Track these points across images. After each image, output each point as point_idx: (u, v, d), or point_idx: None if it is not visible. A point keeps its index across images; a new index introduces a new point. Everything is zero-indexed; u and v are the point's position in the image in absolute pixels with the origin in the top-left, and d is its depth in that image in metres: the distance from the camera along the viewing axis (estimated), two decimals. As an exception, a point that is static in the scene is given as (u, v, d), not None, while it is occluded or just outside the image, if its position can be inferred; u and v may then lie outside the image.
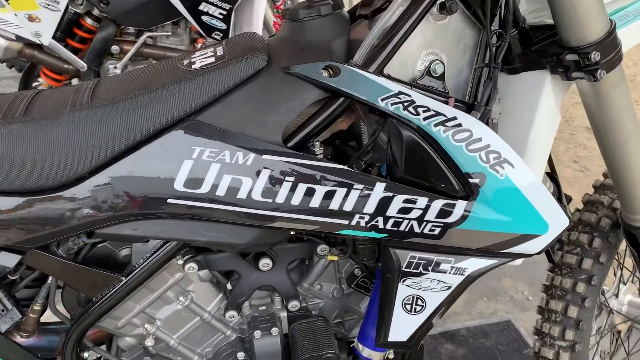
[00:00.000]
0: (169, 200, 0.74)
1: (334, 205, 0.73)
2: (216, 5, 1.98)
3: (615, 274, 1.34)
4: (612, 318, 1.31)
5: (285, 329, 0.92)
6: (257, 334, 0.89)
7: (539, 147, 0.83)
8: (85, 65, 1.98)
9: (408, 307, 0.79)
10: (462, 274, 0.77)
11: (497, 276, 2.24)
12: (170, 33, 2.09)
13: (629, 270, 1.30)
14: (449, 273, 0.77)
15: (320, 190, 0.72)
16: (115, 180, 0.73)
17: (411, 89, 0.76)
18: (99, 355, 0.92)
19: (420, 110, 0.71)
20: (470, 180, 0.71)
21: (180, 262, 0.83)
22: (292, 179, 0.72)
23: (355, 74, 0.73)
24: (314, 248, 0.87)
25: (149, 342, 0.89)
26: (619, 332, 1.35)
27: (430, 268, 0.77)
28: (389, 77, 0.75)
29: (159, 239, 0.80)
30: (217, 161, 0.73)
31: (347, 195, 0.72)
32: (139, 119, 0.73)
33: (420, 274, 0.77)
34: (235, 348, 0.92)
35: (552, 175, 1.04)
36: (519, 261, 0.86)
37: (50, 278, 0.84)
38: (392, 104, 0.71)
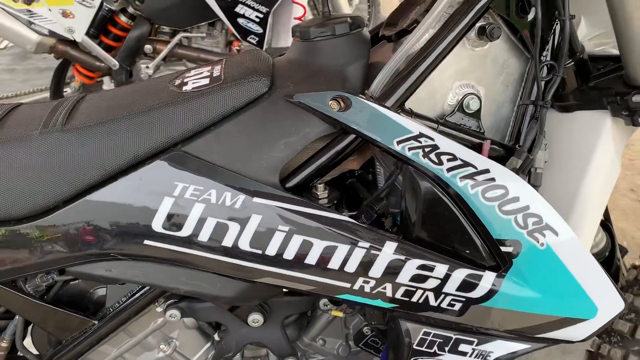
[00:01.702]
0: (146, 242, 0.64)
1: (334, 264, 0.61)
2: (253, 8, 1.89)
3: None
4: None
5: (281, 388, 0.81)
6: (248, 393, 0.78)
7: (592, 205, 0.69)
8: (118, 63, 1.94)
9: (419, 391, 0.66)
10: (486, 359, 0.64)
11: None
12: (205, 34, 2.03)
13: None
14: (470, 356, 0.64)
15: (318, 245, 0.60)
16: (88, 213, 0.64)
17: (437, 127, 0.63)
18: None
19: (444, 158, 0.58)
20: (503, 249, 0.58)
21: (160, 309, 0.73)
22: (287, 228, 0.61)
23: (368, 108, 0.60)
24: (315, 302, 0.75)
25: (128, 391, 0.79)
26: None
27: (447, 348, 0.64)
28: (410, 112, 0.63)
29: (135, 283, 0.70)
30: (201, 201, 0.62)
31: (350, 253, 0.60)
32: (118, 145, 0.63)
33: (434, 354, 0.64)
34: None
35: (605, 224, 0.89)
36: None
37: (15, 319, 0.75)
38: (409, 149, 0.58)
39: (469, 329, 0.62)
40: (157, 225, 0.63)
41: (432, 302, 0.61)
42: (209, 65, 0.70)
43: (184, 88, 0.66)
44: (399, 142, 0.59)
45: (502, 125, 0.70)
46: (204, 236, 0.62)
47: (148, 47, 1.98)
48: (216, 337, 0.79)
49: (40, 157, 0.64)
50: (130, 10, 1.93)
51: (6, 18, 1.89)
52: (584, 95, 0.71)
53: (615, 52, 0.70)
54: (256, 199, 0.61)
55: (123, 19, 1.94)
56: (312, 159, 0.64)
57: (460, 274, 0.59)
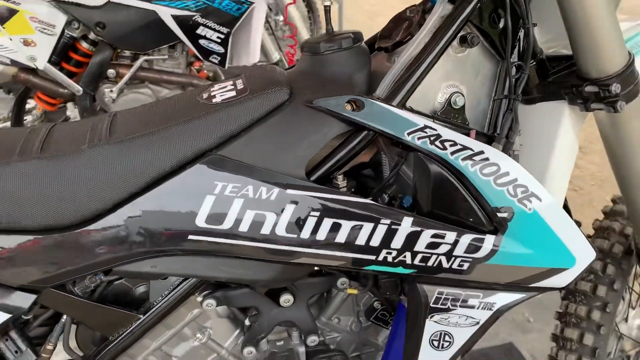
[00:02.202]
0: (190, 237, 0.72)
1: (361, 240, 0.72)
2: (214, 29, 1.98)
3: (624, 299, 1.34)
4: (621, 343, 1.31)
5: (304, 364, 0.90)
6: (277, 369, 0.87)
7: (559, 178, 0.83)
8: (81, 89, 1.97)
9: (435, 343, 0.78)
10: (490, 309, 0.76)
11: (497, 297, 2.24)
12: (167, 56, 2.09)
13: (637, 294, 1.30)
14: (478, 308, 0.76)
15: (346, 225, 0.71)
16: (136, 216, 0.72)
17: (433, 121, 0.75)
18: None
19: (447, 144, 0.71)
20: (499, 215, 0.71)
21: (199, 298, 0.81)
22: (318, 213, 0.71)
23: (380, 108, 0.72)
24: (333, 282, 0.85)
25: (165, 381, 0.87)
26: (628, 357, 1.35)
27: (458, 304, 0.76)
28: (411, 109, 0.75)
29: (179, 276, 0.78)
30: (240, 196, 0.71)
31: (374, 230, 0.71)
32: (160, 154, 0.72)
33: (448, 310, 0.76)
34: (253, 385, 0.90)
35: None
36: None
37: (64, 317, 0.81)
38: (418, 138, 0.71)
39: (476, 285, 0.75)
40: (200, 221, 0.72)
41: (445, 264, 0.73)
42: (231, 80, 0.80)
43: (214, 100, 0.76)
44: (409, 134, 0.71)
45: (481, 118, 0.84)
46: (244, 227, 0.72)
47: (111, 72, 2.02)
48: (246, 322, 0.87)
49: (91, 168, 0.71)
50: (92, 36, 1.97)
51: (-34, 50, 1.89)
52: (545, 89, 0.86)
53: (566, 52, 0.85)
54: (289, 191, 0.71)
55: (84, 45, 1.98)
56: (332, 154, 0.74)
57: (467, 239, 0.71)
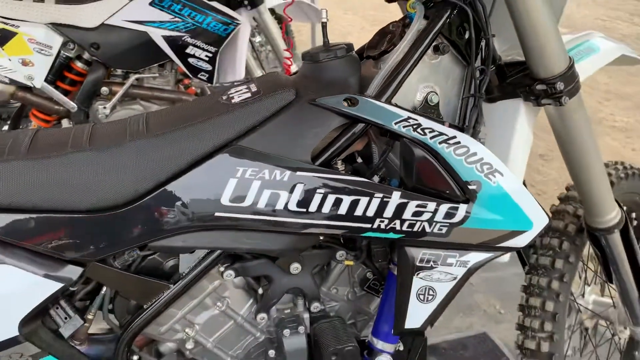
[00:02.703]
0: (216, 214, 0.86)
1: (359, 211, 0.87)
2: (202, 49, 2.13)
3: (580, 277, 1.52)
4: (580, 316, 1.48)
5: (308, 329, 1.04)
6: (286, 332, 1.01)
7: (518, 161, 1.01)
8: (76, 106, 2.08)
9: (421, 297, 0.93)
10: (465, 266, 0.92)
11: (471, 293, 2.41)
12: (157, 74, 2.21)
13: (592, 271, 1.48)
14: (455, 265, 0.92)
15: (346, 200, 0.87)
16: (170, 198, 0.85)
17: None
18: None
19: (426, 131, 0.87)
20: (469, 187, 0.87)
21: (222, 269, 0.95)
22: (322, 191, 0.86)
23: (372, 104, 0.88)
24: (333, 254, 1.00)
25: (189, 345, 0.99)
26: (586, 329, 1.52)
27: (439, 262, 0.91)
28: (396, 105, 0.91)
29: (205, 249, 0.92)
30: (257, 179, 0.86)
31: (369, 203, 0.87)
32: (191, 145, 0.86)
33: (431, 268, 0.91)
34: (265, 348, 1.04)
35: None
36: (506, 257, 1.02)
37: (103, 289, 0.94)
38: (404, 127, 0.87)
39: (453, 246, 0.91)
40: (225, 200, 0.86)
41: (427, 229, 0.88)
42: (245, 85, 0.95)
43: (233, 101, 0.91)
44: (396, 123, 0.87)
45: (453, 113, 1.00)
46: (261, 204, 0.86)
47: (104, 89, 2.13)
48: (260, 291, 1.01)
49: (133, 158, 0.85)
50: (86, 56, 2.09)
51: (-33, 70, 2.00)
52: (504, 89, 1.04)
53: (520, 59, 1.03)
54: (298, 173, 0.86)
55: (79, 64, 2.10)
56: (332, 142, 0.90)
57: (444, 208, 0.87)
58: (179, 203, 0.86)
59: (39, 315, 0.88)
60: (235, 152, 0.86)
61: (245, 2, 2.31)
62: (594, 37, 1.22)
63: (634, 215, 1.54)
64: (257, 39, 3.34)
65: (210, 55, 2.16)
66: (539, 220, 0.91)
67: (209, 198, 0.86)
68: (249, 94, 0.92)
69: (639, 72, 5.19)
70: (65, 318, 0.90)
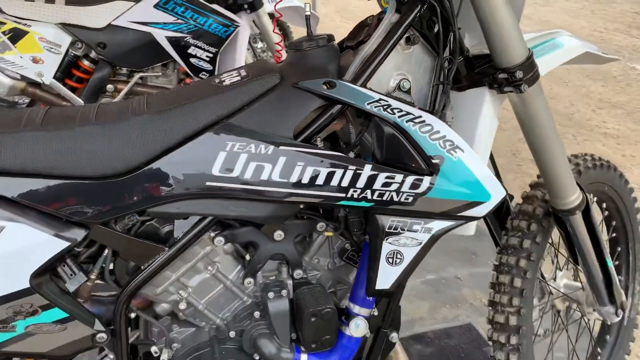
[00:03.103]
0: (207, 183, 0.97)
1: (334, 182, 0.97)
2: (203, 49, 2.25)
3: (553, 262, 1.62)
4: (551, 299, 1.58)
5: (291, 294, 1.14)
6: (271, 295, 1.11)
7: (483, 142, 1.11)
8: (82, 102, 2.19)
9: (390, 260, 1.03)
10: (429, 232, 1.02)
11: (458, 287, 2.51)
12: (160, 73, 2.33)
13: (564, 257, 1.57)
14: (420, 232, 1.02)
15: (323, 172, 0.97)
16: (166, 168, 0.96)
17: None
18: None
19: (395, 111, 0.98)
20: (433, 161, 0.98)
21: (212, 234, 1.05)
22: (302, 163, 0.97)
23: (348, 87, 0.99)
24: (314, 225, 1.11)
25: (182, 306, 1.09)
26: (558, 312, 1.62)
27: (406, 229, 1.02)
28: (370, 89, 1.02)
29: (197, 215, 1.02)
30: (245, 152, 0.96)
31: (344, 174, 0.97)
32: (186, 122, 0.97)
33: (399, 233, 1.02)
34: (251, 310, 1.14)
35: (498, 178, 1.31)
36: (471, 229, 1.13)
37: (105, 252, 1.04)
38: (375, 107, 0.98)
39: (418, 214, 1.01)
40: (216, 170, 0.96)
41: (395, 198, 0.98)
42: (235, 71, 1.06)
43: (224, 83, 1.02)
44: (368, 104, 0.98)
45: (423, 99, 1.11)
46: (248, 174, 0.97)
47: (110, 87, 2.25)
48: (247, 257, 1.12)
49: (135, 131, 0.96)
50: (93, 55, 2.21)
51: (-19, 66, 2.12)
52: (471, 79, 1.14)
53: (486, 52, 1.13)
54: (281, 147, 0.97)
55: (86, 63, 2.22)
56: (312, 122, 1.00)
57: (410, 179, 0.98)
58: (174, 173, 0.96)
59: (48, 271, 0.98)
60: (225, 128, 0.97)
61: (245, 6, 2.43)
62: (561, 35, 1.33)
63: (604, 205, 1.65)
64: (259, 44, 3.47)
65: (211, 55, 2.28)
66: (496, 193, 1.01)
67: (201, 169, 0.96)
68: (238, 78, 1.02)
69: (633, 81, 5.30)
70: (71, 275, 1.01)
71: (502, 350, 1.36)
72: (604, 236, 1.56)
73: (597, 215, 1.54)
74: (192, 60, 2.28)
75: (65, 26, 2.18)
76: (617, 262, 1.73)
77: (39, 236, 0.93)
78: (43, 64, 2.18)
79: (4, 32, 2.13)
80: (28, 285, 0.94)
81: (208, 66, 2.30)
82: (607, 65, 5.75)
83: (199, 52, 2.28)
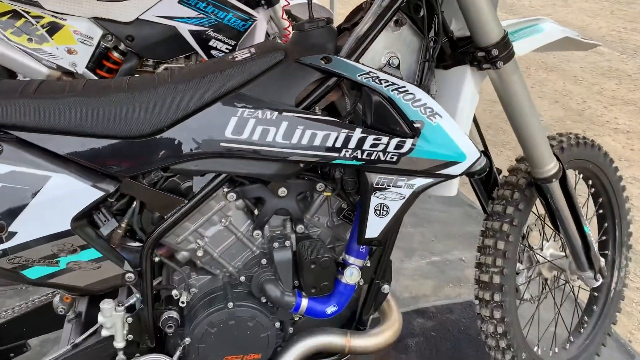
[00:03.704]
0: (222, 144, 1.13)
1: (329, 143, 1.13)
2: (224, 42, 2.42)
3: (540, 234, 1.75)
4: (539, 268, 1.71)
5: (294, 247, 1.30)
6: (276, 244, 1.27)
7: (465, 114, 1.26)
8: (112, 90, 2.38)
9: (378, 212, 1.18)
10: (411, 188, 1.17)
11: (461, 268, 2.64)
12: (183, 65, 2.50)
13: (551, 228, 1.70)
14: (404, 187, 1.17)
15: (320, 134, 1.13)
16: (186, 131, 1.12)
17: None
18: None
19: (382, 82, 1.13)
20: (415, 125, 1.13)
21: (226, 190, 1.22)
22: (302, 127, 1.12)
23: (342, 62, 1.15)
24: (313, 185, 1.26)
25: (199, 254, 1.26)
26: (545, 280, 1.75)
27: (391, 184, 1.17)
28: (362, 64, 1.18)
29: (213, 172, 1.18)
30: (253, 117, 1.12)
31: (337, 137, 1.13)
32: (203, 91, 1.13)
33: (385, 189, 1.17)
34: (259, 258, 1.30)
35: (486, 153, 1.46)
36: (454, 190, 1.27)
37: (134, 204, 1.21)
38: (365, 78, 1.13)
39: (402, 172, 1.15)
40: (228, 133, 1.13)
41: (382, 158, 1.13)
42: (247, 49, 1.23)
43: (236, 59, 1.18)
44: (359, 76, 1.13)
45: (412, 76, 1.26)
46: (255, 136, 1.13)
47: (137, 77, 2.43)
48: (255, 212, 1.28)
49: (161, 98, 1.12)
50: (122, 47, 2.40)
51: (21, 56, 2.32)
52: (455, 58, 1.29)
53: (468, 34, 1.28)
54: (284, 113, 1.13)
55: (115, 54, 2.40)
56: (312, 92, 1.16)
57: (395, 141, 1.13)
58: (193, 135, 1.12)
59: (85, 217, 1.15)
60: (236, 97, 1.13)
61: (262, 2, 2.60)
62: (543, 22, 1.47)
63: (590, 182, 1.77)
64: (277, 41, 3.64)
65: (230, 47, 2.44)
66: (471, 154, 1.15)
67: (216, 132, 1.12)
68: (249, 54, 1.19)
69: (647, 79, 5.34)
70: (105, 221, 1.18)
71: (487, 307, 1.49)
72: (592, 212, 1.69)
73: (584, 191, 1.67)
74: (213, 52, 2.44)
75: (97, 20, 2.36)
76: (604, 237, 1.85)
77: (78, 185, 1.10)
78: (77, 54, 2.37)
79: (42, 26, 2.33)
80: (69, 227, 1.11)
81: (228, 58, 2.45)
82: (623, 64, 5.80)
83: (219, 45, 2.45)
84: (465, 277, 2.58)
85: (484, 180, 1.59)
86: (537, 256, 1.68)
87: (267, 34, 2.96)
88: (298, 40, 1.21)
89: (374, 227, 1.19)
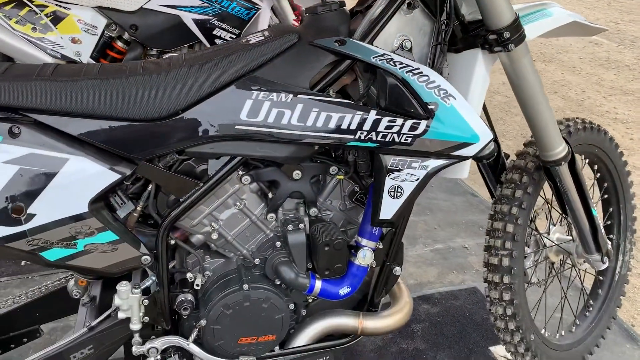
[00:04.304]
0: (237, 127, 1.14)
1: (344, 125, 1.14)
2: (227, 31, 2.41)
3: (547, 218, 1.77)
4: (545, 251, 1.73)
5: (307, 230, 1.31)
6: (290, 227, 1.28)
7: (476, 96, 1.27)
8: (117, 80, 2.38)
9: (392, 193, 1.20)
10: (425, 170, 1.18)
11: (465, 255, 2.66)
12: (187, 54, 2.51)
13: (558, 212, 1.72)
14: (418, 169, 1.18)
15: (335, 117, 1.14)
16: (202, 113, 1.13)
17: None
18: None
19: (397, 64, 1.14)
20: (429, 107, 1.14)
21: (240, 173, 1.23)
22: (317, 109, 1.13)
23: (356, 44, 1.15)
24: (327, 168, 1.27)
25: (214, 236, 1.27)
26: (552, 263, 1.76)
27: (405, 166, 1.18)
28: (376, 46, 1.18)
29: (228, 155, 1.19)
30: (268, 100, 1.13)
31: (352, 119, 1.14)
32: (218, 74, 1.14)
33: (399, 170, 1.18)
34: (273, 241, 1.31)
35: (494, 138, 1.47)
36: (465, 172, 1.29)
37: (149, 187, 1.22)
38: (379, 60, 1.14)
39: (416, 153, 1.17)
40: (243, 115, 1.13)
41: (396, 139, 1.15)
42: (260, 32, 1.24)
43: (250, 42, 1.19)
44: (374, 58, 1.14)
45: (423, 59, 1.27)
46: (271, 119, 1.13)
47: (141, 66, 2.43)
48: (269, 195, 1.29)
49: (175, 81, 1.13)
50: (126, 36, 2.39)
51: (26, 45, 2.31)
52: (466, 41, 1.30)
53: (479, 18, 1.29)
54: (299, 96, 1.13)
55: (119, 44, 2.39)
56: (326, 75, 1.17)
57: (409, 123, 1.14)
58: (208, 118, 1.13)
59: (102, 199, 1.16)
60: (251, 80, 1.14)
61: (266, -10, 2.60)
62: (550, 6, 1.48)
63: (596, 167, 1.79)
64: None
65: (234, 36, 2.43)
66: (484, 135, 1.17)
67: (231, 114, 1.13)
68: (262, 37, 1.20)
69: (645, 70, 5.36)
70: (121, 204, 1.19)
71: (496, 289, 1.51)
72: (597, 197, 1.71)
73: (590, 176, 1.69)
74: (217, 41, 2.43)
75: (101, 9, 2.36)
76: (609, 222, 1.87)
77: (95, 168, 1.11)
78: (81, 44, 2.36)
79: (46, 15, 2.33)
80: (86, 210, 1.12)
81: (232, 47, 2.45)
82: (621, 55, 5.82)
83: (223, 34, 2.44)
84: (469, 264, 2.60)
85: (492, 165, 1.60)
86: (544, 240, 1.70)
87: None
88: (311, 23, 1.22)
89: (388, 208, 1.20)
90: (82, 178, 1.10)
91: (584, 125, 1.62)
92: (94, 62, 2.34)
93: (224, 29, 2.42)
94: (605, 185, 1.81)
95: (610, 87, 4.95)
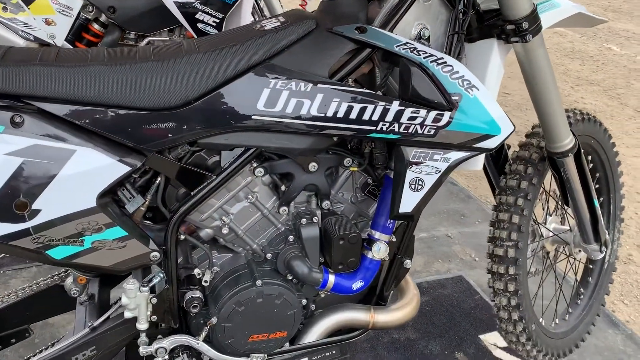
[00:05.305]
0: (253, 117, 1.08)
1: (366, 116, 1.10)
2: (210, 14, 2.34)
3: (543, 208, 1.78)
4: (542, 241, 1.74)
5: (320, 223, 1.27)
6: (303, 221, 1.24)
7: (491, 87, 1.25)
8: (93, 64, 2.27)
9: (412, 186, 1.17)
10: (447, 162, 1.16)
11: (449, 244, 2.68)
12: (167, 38, 2.40)
13: (555, 201, 1.73)
14: (439, 161, 1.16)
15: (356, 107, 1.10)
16: (216, 102, 1.07)
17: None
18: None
19: (421, 53, 1.11)
20: (453, 98, 1.11)
21: (254, 165, 1.17)
22: (338, 99, 1.09)
23: (378, 32, 1.12)
24: (341, 160, 1.24)
25: (224, 231, 1.21)
26: (547, 253, 1.78)
27: (427, 158, 1.15)
28: (397, 35, 1.15)
29: (242, 147, 1.14)
30: (286, 89, 1.08)
31: (374, 110, 1.10)
32: (233, 61, 1.08)
33: (421, 163, 1.15)
34: (285, 235, 1.27)
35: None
36: (479, 165, 1.27)
37: (158, 179, 1.16)
38: (403, 49, 1.10)
39: (438, 145, 1.14)
40: (260, 105, 1.08)
41: (419, 131, 1.12)
42: (275, 17, 1.18)
43: (265, 28, 1.14)
44: (397, 47, 1.10)
45: (441, 48, 1.25)
46: (289, 109, 1.09)
47: (118, 50, 2.33)
48: (282, 188, 1.24)
49: (188, 68, 1.07)
50: (103, 18, 2.29)
51: (-4, 26, 2.18)
52: (481, 31, 1.28)
53: (496, 6, 1.27)
54: (319, 85, 1.09)
55: (96, 26, 2.29)
56: (345, 64, 1.13)
57: (432, 114, 1.11)
58: (223, 107, 1.07)
59: (111, 193, 1.09)
60: (268, 67, 1.09)
61: (250, -26, 2.52)
62: (556, -3, 1.47)
63: (589, 158, 1.81)
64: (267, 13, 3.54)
65: (217, 21, 2.36)
66: (506, 127, 1.15)
67: (247, 103, 1.08)
68: (278, 23, 1.14)
69: (608, 61, 5.52)
70: (130, 198, 1.12)
71: (501, 280, 1.51)
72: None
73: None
74: (199, 25, 2.36)
75: (77, -11, 2.24)
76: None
77: (104, 160, 1.04)
78: (55, 25, 2.24)
79: (17, -7, 2.19)
80: (94, 205, 1.05)
81: (214, 31, 2.38)
82: (585, 46, 5.96)
83: (206, 18, 2.36)
84: (453, 252, 2.62)
85: (494, 156, 1.60)
86: (541, 230, 1.71)
87: (254, 14, 2.89)
88: (327, 9, 1.17)
89: (408, 201, 1.18)
90: (90, 170, 1.03)
91: (583, 117, 1.64)
92: (69, 45, 2.23)
93: (207, 13, 2.34)
94: (597, 175, 1.83)
95: (577, 77, 5.06)
